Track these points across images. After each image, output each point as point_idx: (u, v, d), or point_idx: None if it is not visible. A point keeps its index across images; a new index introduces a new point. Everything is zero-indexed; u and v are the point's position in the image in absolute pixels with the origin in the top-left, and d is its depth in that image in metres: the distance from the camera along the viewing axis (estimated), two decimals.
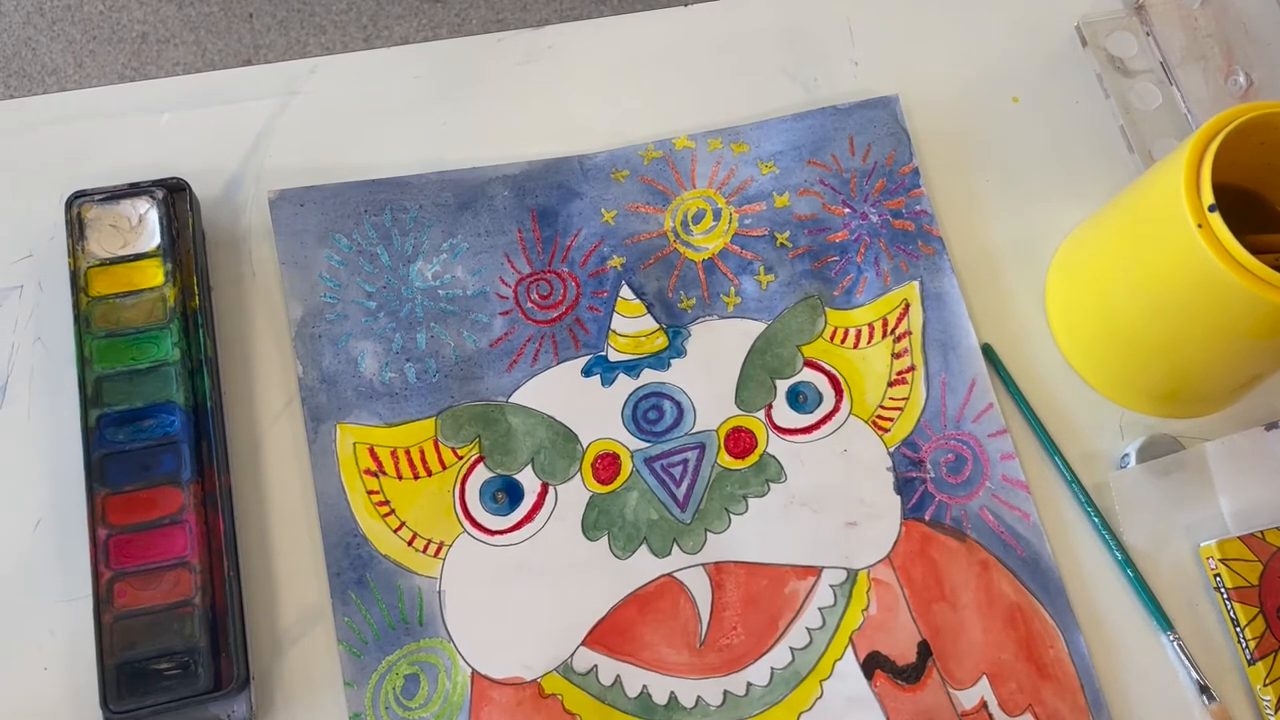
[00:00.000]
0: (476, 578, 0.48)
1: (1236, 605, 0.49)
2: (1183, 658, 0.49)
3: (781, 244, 0.54)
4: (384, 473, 0.49)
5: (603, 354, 0.52)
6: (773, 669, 0.48)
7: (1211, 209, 0.44)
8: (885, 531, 0.50)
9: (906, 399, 0.52)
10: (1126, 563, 0.50)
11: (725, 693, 0.47)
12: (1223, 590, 0.50)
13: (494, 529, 0.49)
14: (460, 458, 0.49)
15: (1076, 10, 0.61)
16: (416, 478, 0.49)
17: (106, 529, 0.46)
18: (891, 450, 0.51)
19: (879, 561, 0.50)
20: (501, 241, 0.53)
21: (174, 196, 0.51)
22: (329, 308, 0.51)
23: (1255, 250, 0.44)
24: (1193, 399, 0.53)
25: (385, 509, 0.48)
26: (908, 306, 0.54)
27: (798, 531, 0.50)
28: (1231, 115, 0.46)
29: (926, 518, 0.50)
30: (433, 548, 0.48)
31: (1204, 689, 0.48)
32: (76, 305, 0.49)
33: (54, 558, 0.47)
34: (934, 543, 0.50)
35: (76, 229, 0.50)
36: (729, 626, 0.48)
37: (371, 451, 0.49)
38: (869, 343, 0.53)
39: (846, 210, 0.55)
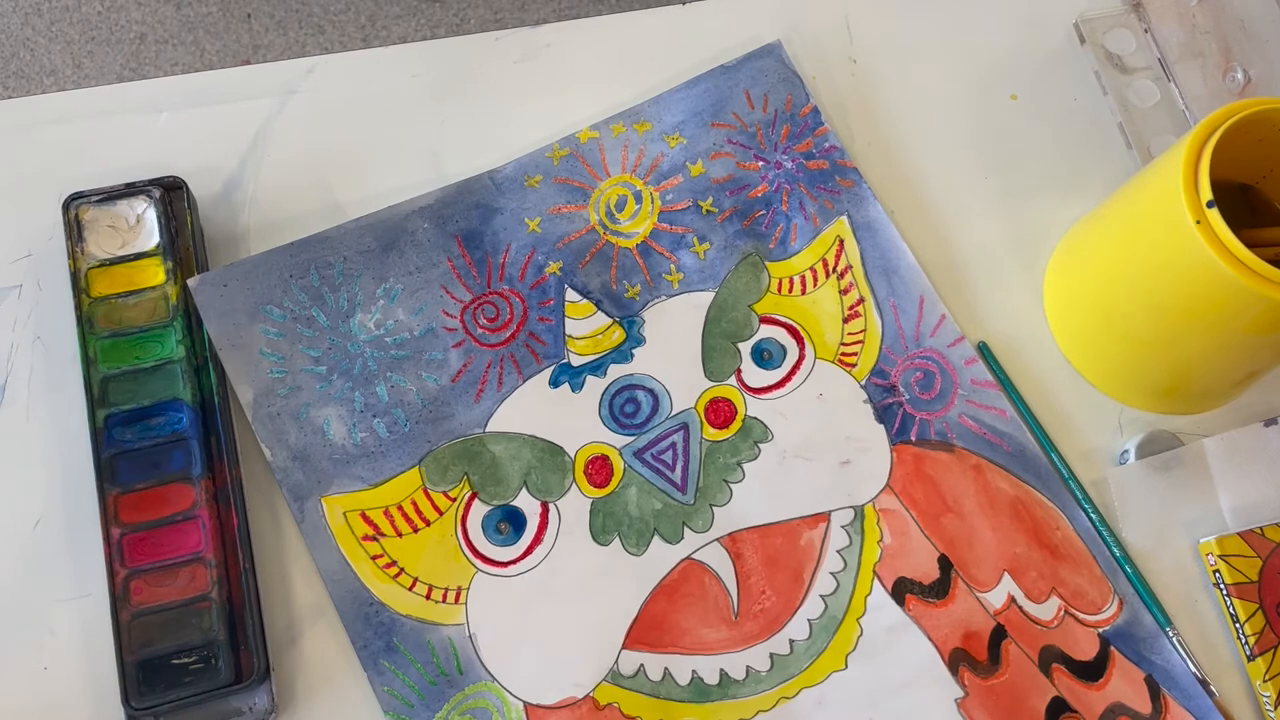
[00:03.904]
0: (503, 612, 0.48)
1: (1236, 601, 0.49)
2: (1182, 653, 0.49)
3: (707, 211, 0.55)
4: (382, 534, 0.48)
5: (565, 361, 0.52)
6: (809, 621, 0.48)
7: (1210, 205, 0.44)
8: (878, 462, 0.51)
9: (864, 331, 0.53)
10: (1124, 559, 0.50)
11: (771, 656, 0.48)
12: (1222, 586, 0.50)
13: (506, 560, 0.48)
14: (453, 500, 0.49)
15: (1074, 8, 0.61)
16: (416, 531, 0.48)
17: (120, 528, 0.46)
18: (863, 383, 0.52)
19: (880, 492, 0.50)
20: (434, 275, 0.52)
21: (170, 195, 0.51)
22: (279, 383, 0.50)
23: (1253, 245, 0.44)
24: (1191, 395, 0.53)
25: (394, 570, 0.48)
26: (842, 242, 0.54)
27: (797, 484, 0.50)
28: (1229, 111, 0.46)
29: (913, 438, 0.51)
30: (451, 595, 0.48)
31: (1204, 684, 0.49)
32: (78, 307, 0.49)
33: (53, 557, 0.47)
34: (926, 460, 0.51)
35: (74, 231, 0.50)
36: (757, 592, 0.48)
37: (364, 516, 0.48)
38: (815, 286, 0.54)
39: (760, 163, 0.56)
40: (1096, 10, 0.60)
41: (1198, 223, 0.44)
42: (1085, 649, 0.49)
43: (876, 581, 0.49)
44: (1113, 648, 0.49)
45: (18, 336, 0.51)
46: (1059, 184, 0.57)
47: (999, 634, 0.48)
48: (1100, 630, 0.49)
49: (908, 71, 0.59)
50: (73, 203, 0.50)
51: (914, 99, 0.58)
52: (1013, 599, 0.49)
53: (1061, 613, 0.49)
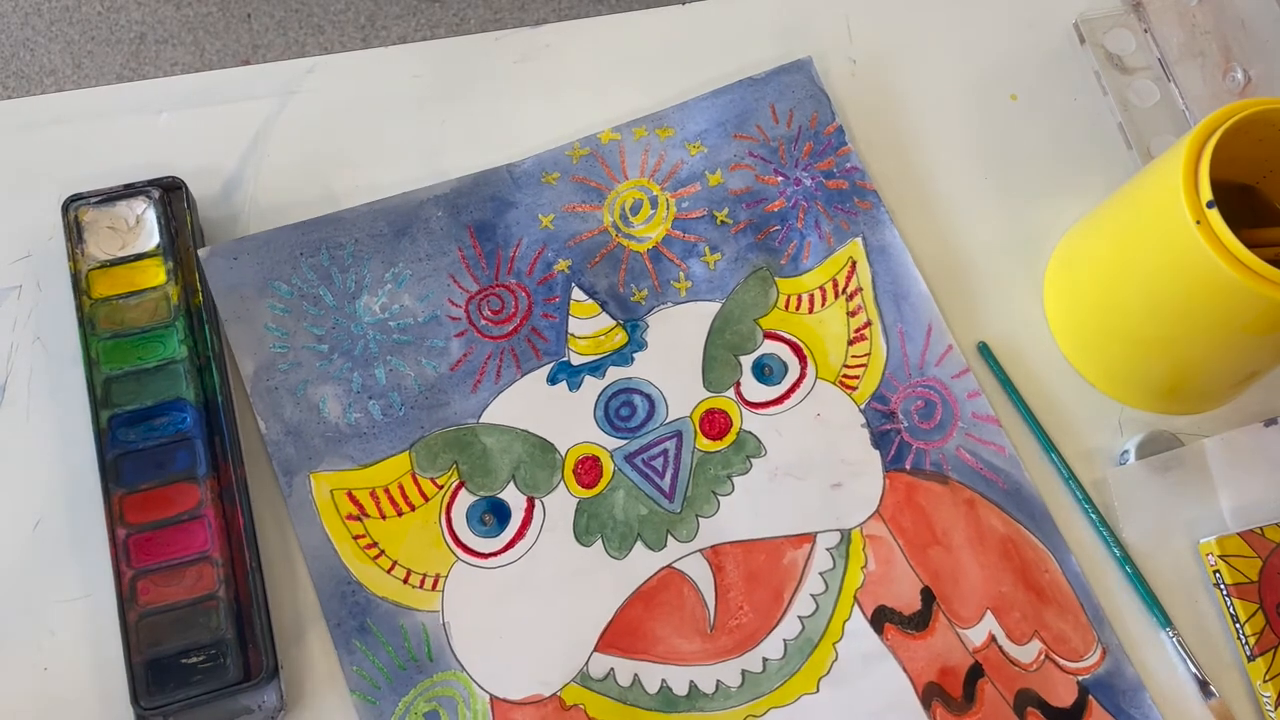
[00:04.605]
0: (478, 603, 0.48)
1: (1236, 601, 0.49)
2: (1182, 653, 0.49)
3: (722, 222, 0.54)
4: (367, 515, 0.48)
5: (565, 359, 0.52)
6: (785, 641, 0.48)
7: (1210, 205, 0.44)
8: (870, 487, 0.51)
9: (868, 354, 0.53)
10: (1125, 560, 0.50)
11: (743, 672, 0.47)
12: (1222, 586, 0.50)
13: (487, 552, 0.48)
14: (440, 487, 0.49)
15: (1075, 7, 0.61)
16: (400, 514, 0.49)
17: (125, 528, 0.46)
18: (862, 407, 0.52)
19: (869, 517, 0.50)
20: (444, 263, 0.52)
21: (170, 195, 0.51)
22: (280, 358, 0.50)
23: (1253, 246, 0.44)
24: (1192, 395, 0.53)
25: (374, 551, 0.48)
26: (854, 264, 0.54)
27: (786, 502, 0.50)
28: (1229, 112, 0.46)
29: (907, 467, 0.51)
30: (429, 581, 0.48)
31: (1204, 684, 0.49)
32: (80, 308, 0.49)
33: (54, 558, 0.47)
34: (919, 490, 0.51)
35: (74, 232, 0.50)
36: (735, 607, 0.48)
37: (350, 496, 0.48)
38: (823, 306, 0.53)
39: (780, 178, 0.55)
40: (1096, 10, 0.60)
41: (1198, 223, 0.44)
42: (1063, 695, 0.48)
43: (856, 608, 0.49)
44: (1091, 697, 0.48)
45: (17, 337, 0.51)
46: (1059, 184, 0.57)
47: (976, 672, 0.48)
48: (1080, 678, 0.48)
49: (908, 71, 0.59)
50: (72, 204, 0.50)
51: (914, 99, 0.58)
52: (993, 638, 0.49)
53: (1042, 656, 0.48)
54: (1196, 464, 0.52)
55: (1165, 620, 0.49)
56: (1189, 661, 0.49)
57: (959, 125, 0.58)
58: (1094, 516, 0.51)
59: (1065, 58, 0.60)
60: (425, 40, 1.00)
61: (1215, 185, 0.44)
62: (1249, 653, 0.49)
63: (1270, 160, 0.50)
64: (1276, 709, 0.48)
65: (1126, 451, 0.52)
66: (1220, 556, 0.50)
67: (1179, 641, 0.49)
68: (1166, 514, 0.52)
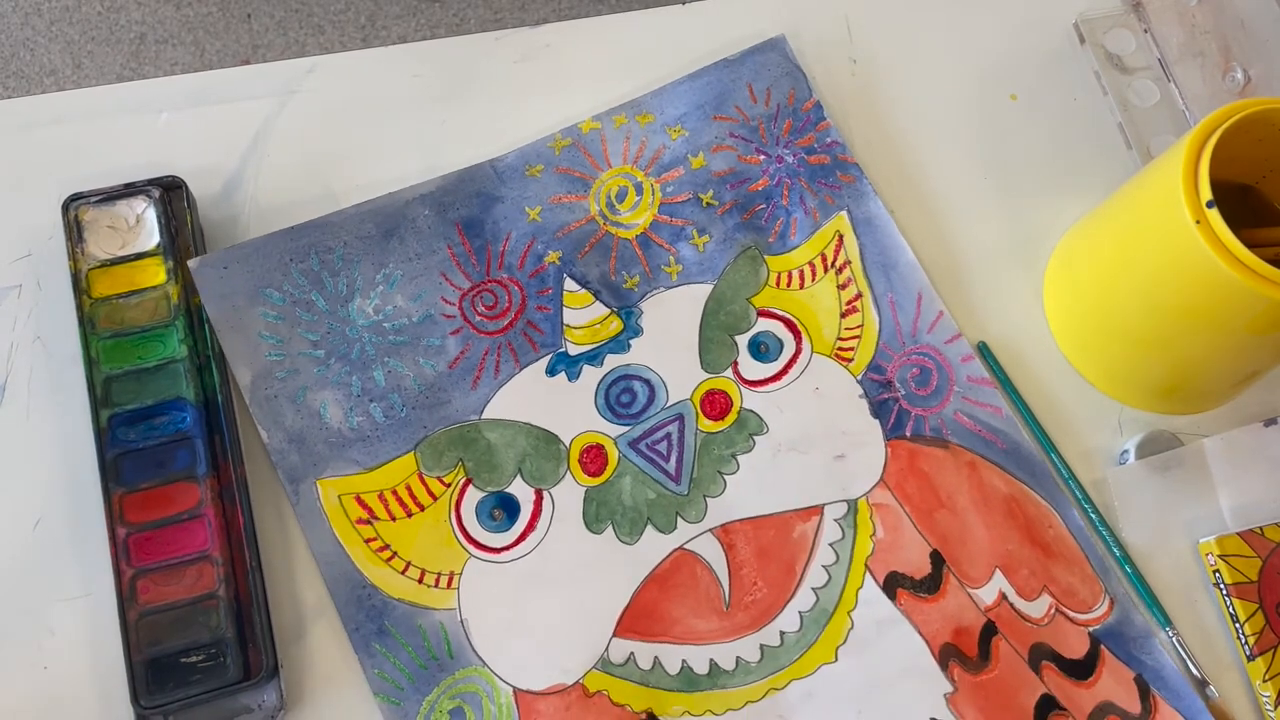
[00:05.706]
0: (495, 598, 0.48)
1: (1236, 601, 0.49)
2: (1182, 653, 0.49)
3: (708, 204, 0.55)
4: (376, 518, 0.48)
5: (562, 350, 0.52)
6: (800, 613, 0.48)
7: (1209, 205, 0.44)
8: (873, 456, 0.51)
9: (861, 326, 0.53)
10: (1125, 559, 0.50)
11: (761, 647, 0.48)
12: (1222, 586, 0.50)
13: (499, 546, 0.49)
14: (448, 485, 0.49)
15: (1074, 8, 0.61)
16: (410, 515, 0.49)
17: (125, 527, 0.46)
18: (859, 378, 0.52)
19: (874, 486, 0.51)
20: (434, 261, 0.52)
21: (170, 195, 0.51)
22: (277, 365, 0.50)
23: (1253, 245, 0.44)
24: (1192, 395, 0.53)
25: (387, 553, 0.48)
26: (841, 237, 0.55)
27: (791, 476, 0.50)
28: (1229, 111, 0.46)
29: (908, 434, 0.51)
30: (444, 580, 0.48)
31: (1203, 684, 0.49)
32: (80, 308, 0.49)
33: (54, 557, 0.47)
34: (921, 455, 0.51)
35: (74, 232, 0.50)
36: (749, 583, 0.49)
37: (358, 499, 0.49)
38: (813, 280, 0.54)
39: (762, 157, 0.56)
40: (1096, 10, 0.60)
41: (1198, 223, 0.44)
42: (1075, 647, 0.49)
43: (868, 575, 0.49)
44: (1103, 646, 0.49)
45: (17, 336, 0.51)
46: (1059, 184, 0.57)
47: (989, 630, 0.48)
48: (1091, 629, 0.49)
49: (908, 71, 0.59)
50: (72, 204, 0.50)
51: (914, 99, 0.58)
52: (1004, 596, 0.49)
53: (1052, 610, 0.49)
54: (1196, 464, 0.52)
55: (1165, 620, 0.49)
56: (1189, 661, 0.49)
57: (959, 125, 0.58)
58: (1094, 516, 0.51)
59: (1065, 58, 0.60)
60: (425, 40, 1.00)
61: (1215, 185, 0.44)
62: (1249, 652, 0.49)
63: (1270, 160, 0.50)
64: (1276, 709, 0.48)
65: (1126, 451, 0.52)
66: (1220, 556, 0.50)
67: (1179, 641, 0.49)
68: (1166, 514, 0.52)
